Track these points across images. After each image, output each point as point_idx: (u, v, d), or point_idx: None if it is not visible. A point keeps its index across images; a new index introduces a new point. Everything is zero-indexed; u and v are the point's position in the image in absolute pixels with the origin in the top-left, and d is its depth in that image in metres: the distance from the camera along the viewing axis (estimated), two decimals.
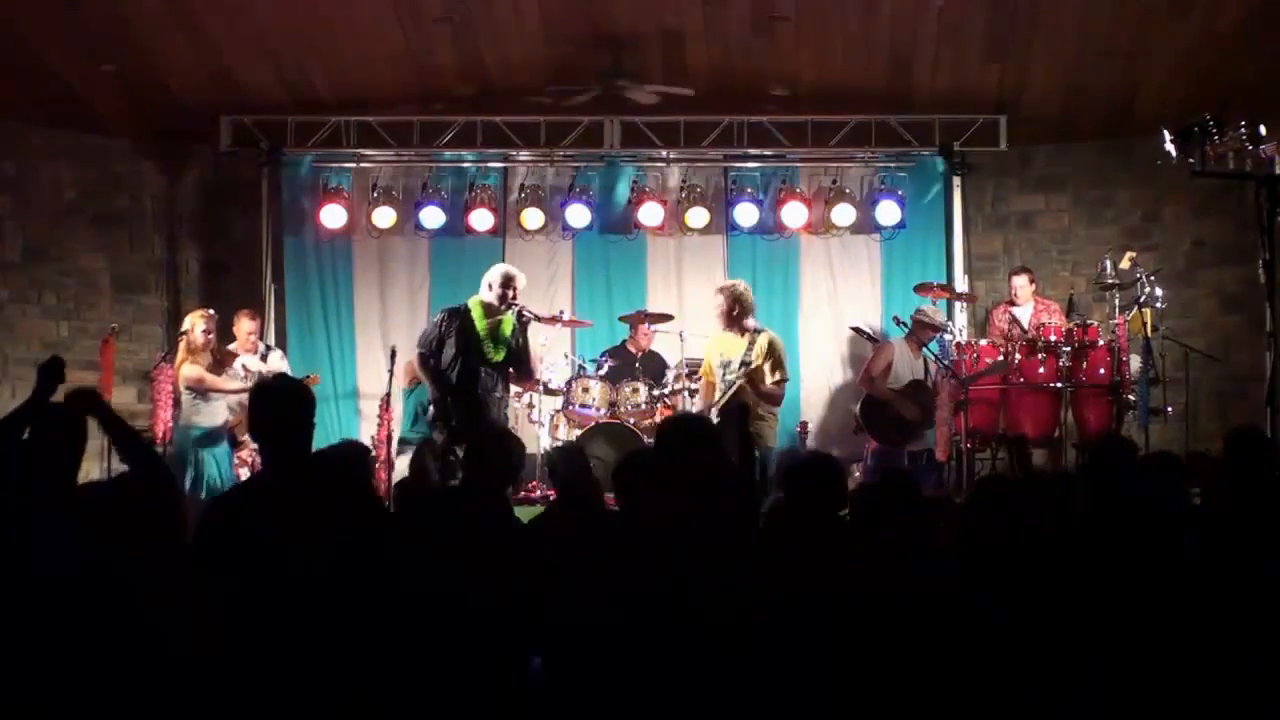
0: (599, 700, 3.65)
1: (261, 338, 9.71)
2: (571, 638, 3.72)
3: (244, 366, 8.80)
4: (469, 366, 8.19)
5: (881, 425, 9.43)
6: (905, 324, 9.56)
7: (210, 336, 8.38)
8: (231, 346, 9.04)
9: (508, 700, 3.77)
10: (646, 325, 10.19)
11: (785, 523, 4.41)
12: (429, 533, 4.30)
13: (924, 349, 9.44)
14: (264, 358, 9.35)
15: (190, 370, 8.27)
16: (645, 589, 3.72)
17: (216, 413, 8.34)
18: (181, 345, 8.38)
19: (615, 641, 3.65)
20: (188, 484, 7.96)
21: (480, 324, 8.25)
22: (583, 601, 3.78)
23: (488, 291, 8.28)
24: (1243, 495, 4.69)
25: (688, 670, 3.62)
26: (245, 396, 8.57)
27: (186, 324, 8.49)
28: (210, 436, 8.27)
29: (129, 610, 3.56)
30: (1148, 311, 9.06)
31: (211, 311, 8.69)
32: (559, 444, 8.99)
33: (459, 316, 8.27)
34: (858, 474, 9.34)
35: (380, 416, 9.57)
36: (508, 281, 8.28)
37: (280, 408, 3.93)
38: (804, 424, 10.22)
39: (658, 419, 9.67)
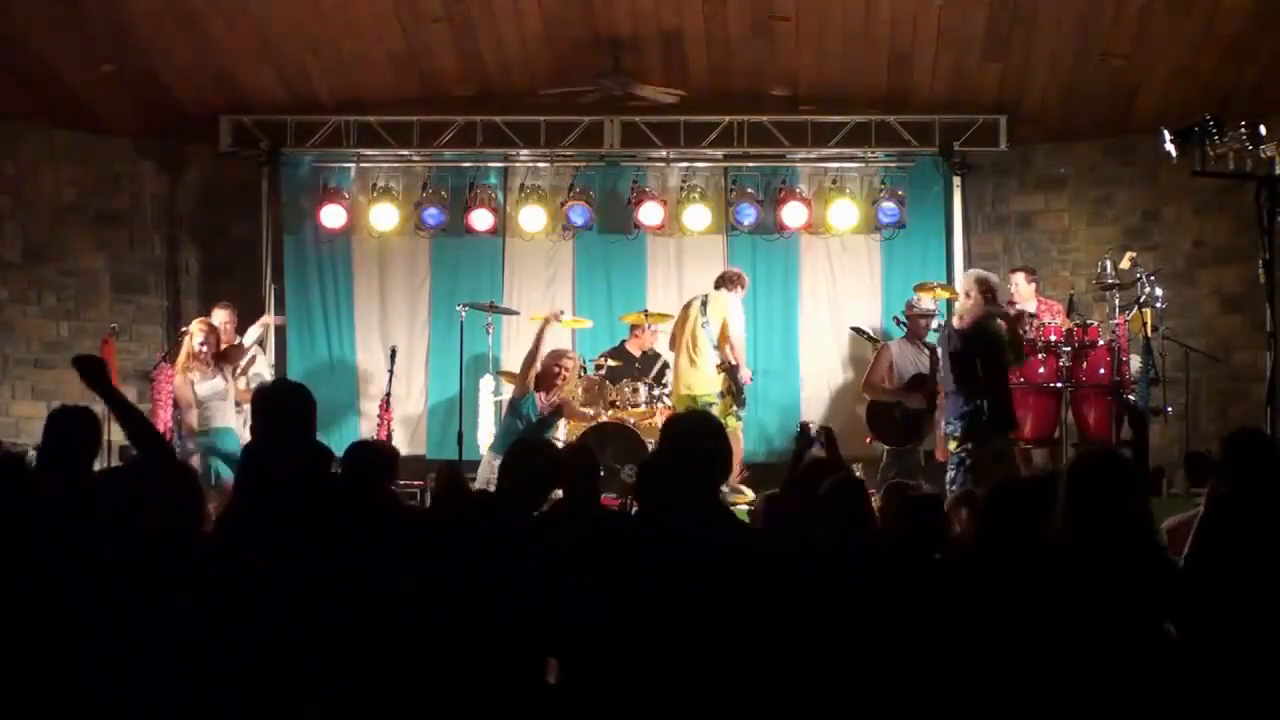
0: (615, 705, 3.64)
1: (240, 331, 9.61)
2: (589, 641, 3.70)
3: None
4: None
5: (887, 427, 9.28)
6: (904, 323, 9.56)
7: (205, 349, 8.36)
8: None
9: (524, 705, 3.76)
10: (647, 325, 10.18)
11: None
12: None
13: (926, 339, 9.43)
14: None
15: (178, 382, 8.32)
16: (663, 591, 3.71)
17: (228, 414, 8.37)
18: (183, 354, 8.42)
19: (635, 645, 3.63)
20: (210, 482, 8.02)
21: (1000, 330, 8.11)
22: (599, 604, 3.77)
23: (967, 298, 8.14)
24: (1242, 495, 4.68)
25: (707, 674, 3.60)
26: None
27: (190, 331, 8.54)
28: (216, 444, 8.28)
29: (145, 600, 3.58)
30: (1148, 311, 9.04)
31: (213, 322, 8.69)
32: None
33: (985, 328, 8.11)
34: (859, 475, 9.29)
35: (380, 417, 9.59)
36: (992, 287, 8.21)
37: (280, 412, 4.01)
38: (804, 424, 10.19)
39: (658, 419, 9.67)
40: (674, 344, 9.66)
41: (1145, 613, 3.72)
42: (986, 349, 7.90)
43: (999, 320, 8.01)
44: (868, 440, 9.48)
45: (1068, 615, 3.67)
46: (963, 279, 8.38)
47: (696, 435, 3.91)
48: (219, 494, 7.94)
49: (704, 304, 9.52)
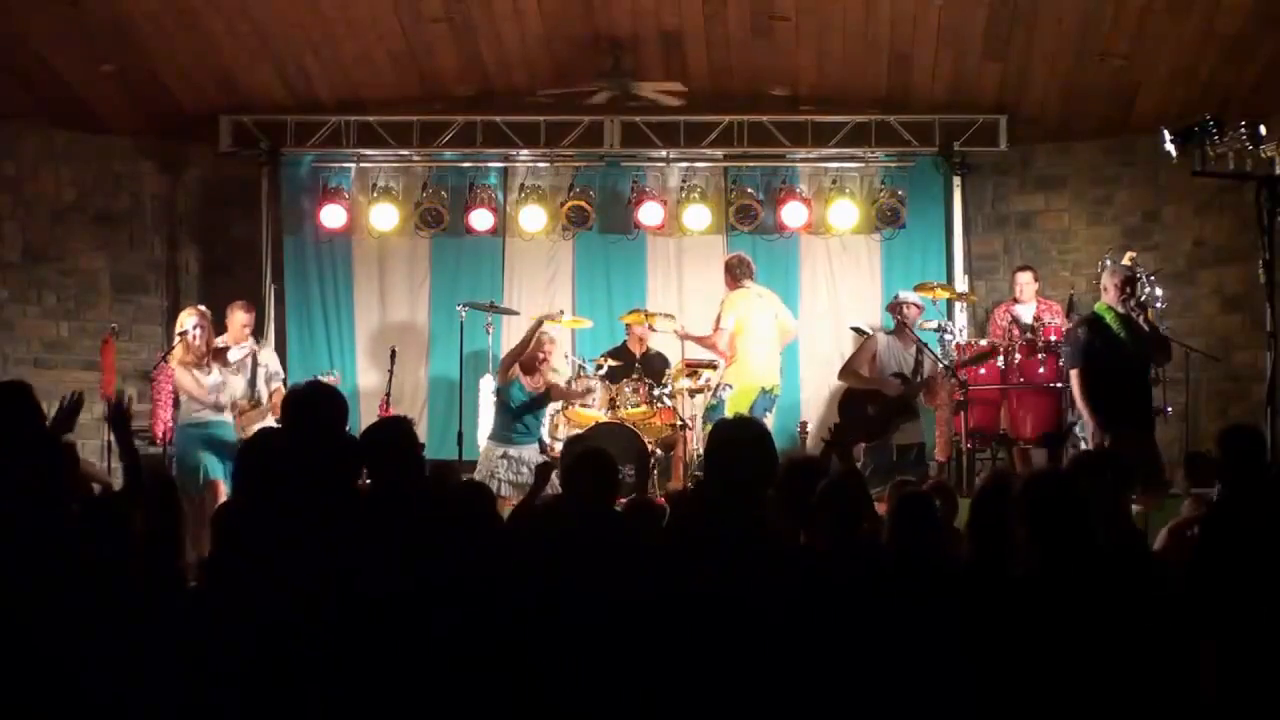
0: (616, 704, 3.64)
1: (256, 333, 9.53)
2: (589, 640, 3.70)
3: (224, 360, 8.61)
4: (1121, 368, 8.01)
5: (857, 420, 9.17)
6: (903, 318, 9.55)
7: (199, 333, 8.29)
8: (221, 339, 8.84)
9: (524, 705, 3.76)
10: (646, 324, 10.17)
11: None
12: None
13: (918, 335, 9.40)
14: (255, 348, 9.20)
15: (179, 376, 8.26)
16: (664, 591, 3.72)
17: (223, 407, 8.30)
18: (179, 346, 8.35)
19: (635, 644, 3.63)
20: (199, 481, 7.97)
21: (1116, 326, 7.96)
22: (587, 601, 3.77)
23: (1105, 294, 8.06)
24: (1238, 491, 4.69)
25: (693, 672, 3.60)
26: (236, 390, 8.59)
27: (179, 323, 8.45)
28: (212, 434, 8.22)
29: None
30: (1148, 311, 9.04)
31: (202, 308, 8.61)
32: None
33: (1098, 325, 7.97)
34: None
35: (380, 417, 9.57)
36: (1129, 281, 8.13)
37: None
38: (804, 424, 10.21)
39: (658, 420, 9.68)
40: (735, 338, 9.52)
41: (1116, 616, 3.72)
42: (1101, 347, 7.79)
43: (1134, 315, 7.95)
44: (830, 429, 9.39)
45: (1032, 622, 3.69)
46: (1104, 275, 8.24)
47: (739, 442, 3.93)
48: (210, 493, 7.93)
49: (760, 297, 9.68)
